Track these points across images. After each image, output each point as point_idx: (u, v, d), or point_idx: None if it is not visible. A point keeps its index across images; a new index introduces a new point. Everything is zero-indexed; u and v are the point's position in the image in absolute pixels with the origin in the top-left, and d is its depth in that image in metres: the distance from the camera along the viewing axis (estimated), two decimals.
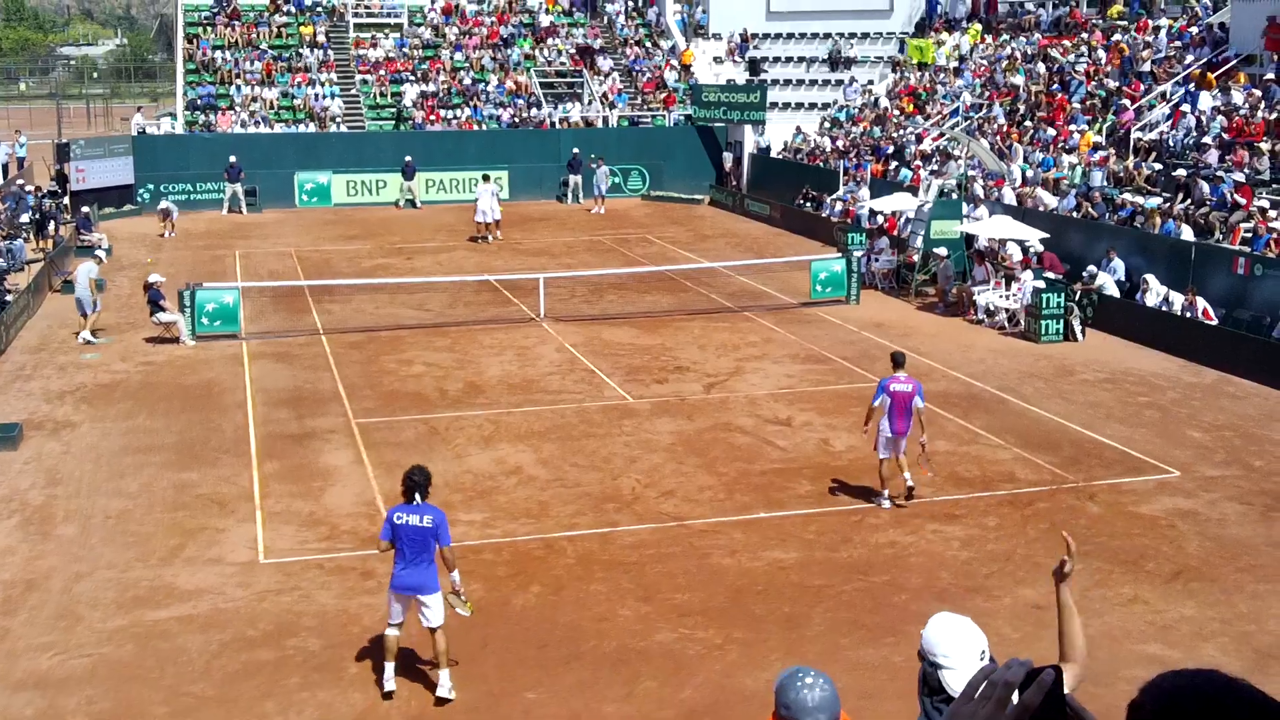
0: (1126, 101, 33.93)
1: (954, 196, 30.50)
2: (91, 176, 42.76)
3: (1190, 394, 21.82)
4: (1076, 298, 25.92)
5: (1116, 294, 26.56)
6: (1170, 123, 32.25)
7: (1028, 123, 36.84)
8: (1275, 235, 24.96)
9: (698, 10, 54.69)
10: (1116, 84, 35.58)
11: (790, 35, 52.64)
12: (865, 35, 51.54)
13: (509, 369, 23.56)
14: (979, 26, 46.81)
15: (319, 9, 52.95)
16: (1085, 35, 40.28)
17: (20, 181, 40.88)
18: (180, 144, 45.17)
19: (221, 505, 16.70)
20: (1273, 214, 25.77)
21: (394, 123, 48.37)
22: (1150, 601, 13.70)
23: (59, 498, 17.01)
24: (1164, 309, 25.18)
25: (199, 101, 47.42)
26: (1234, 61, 33.26)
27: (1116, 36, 38.77)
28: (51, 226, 36.25)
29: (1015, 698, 2.53)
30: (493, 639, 12.85)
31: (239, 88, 48.19)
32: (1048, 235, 28.54)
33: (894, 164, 39.44)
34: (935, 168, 36.11)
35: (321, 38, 51.27)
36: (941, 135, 39.56)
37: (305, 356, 24.61)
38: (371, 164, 45.94)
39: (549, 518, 16.22)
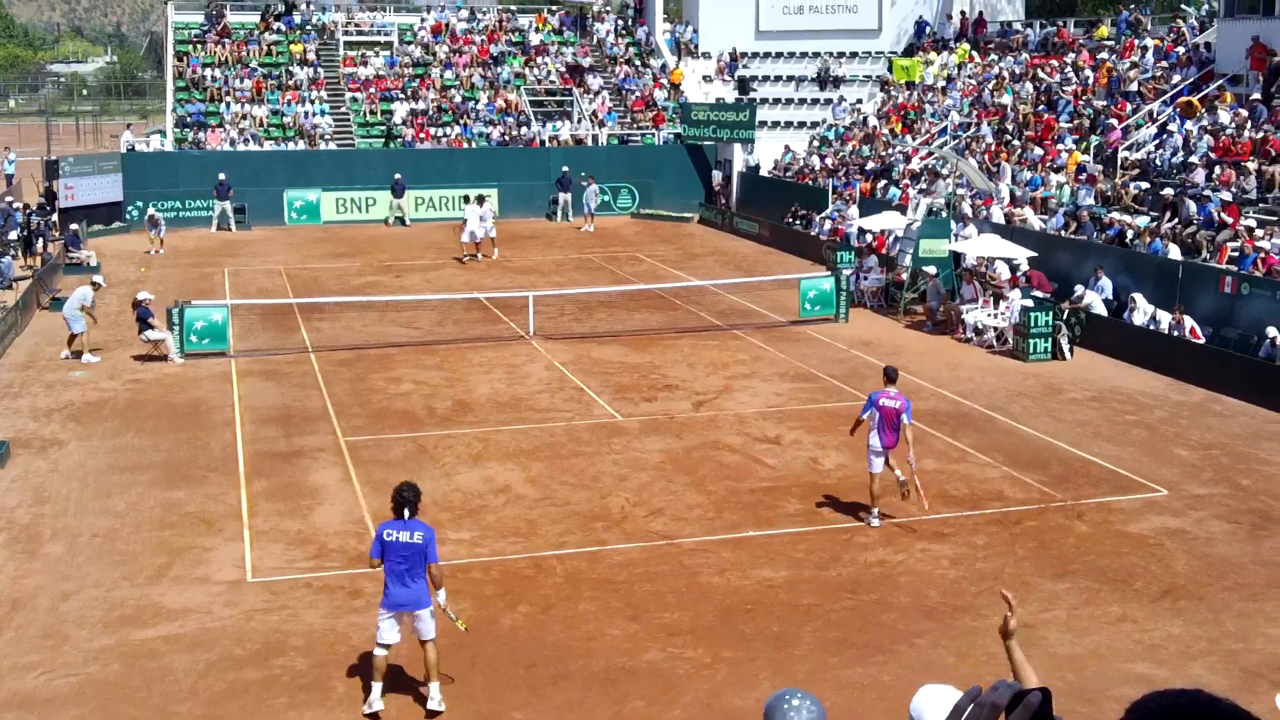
0: (1114, 121, 34.07)
1: (942, 215, 30.57)
2: (80, 194, 42.73)
3: (1178, 413, 21.87)
4: (1064, 316, 25.99)
5: (1104, 313, 26.63)
6: (1157, 142, 32.39)
7: (1015, 142, 36.98)
8: (1262, 254, 25.06)
9: (687, 29, 54.83)
10: (1104, 104, 35.73)
11: (779, 54, 52.80)
12: (854, 55, 51.74)
13: (498, 387, 23.55)
14: (967, 46, 47.00)
15: (309, 27, 53.00)
16: (1073, 55, 40.46)
17: (9, 199, 40.81)
18: (169, 161, 45.14)
19: (209, 524, 16.66)
20: (1260, 233, 25.88)
21: (384, 140, 48.38)
22: (1138, 620, 13.72)
23: (46, 516, 16.95)
24: (1151, 328, 25.25)
25: (189, 119, 47.41)
26: (1220, 81, 33.42)
27: (1103, 56, 38.95)
28: (40, 244, 36.21)
29: None
30: (481, 658, 12.83)
31: (229, 105, 48.20)
32: (1035, 254, 28.63)
33: (883, 183, 39.55)
34: (924, 186, 36.20)
35: (312, 55, 51.32)
36: (930, 154, 39.68)
37: (294, 374, 24.58)
38: (361, 182, 45.95)
39: (537, 536, 16.20)
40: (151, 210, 40.20)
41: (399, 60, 52.06)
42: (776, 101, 51.33)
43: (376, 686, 11.83)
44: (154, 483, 18.25)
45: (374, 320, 29.42)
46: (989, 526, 16.51)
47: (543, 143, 48.61)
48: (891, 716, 11.83)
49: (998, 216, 32.25)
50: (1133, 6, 43.12)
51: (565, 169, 46.43)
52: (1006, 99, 40.13)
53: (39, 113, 79.04)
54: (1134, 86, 35.67)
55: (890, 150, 42.16)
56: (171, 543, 15.96)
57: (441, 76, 51.52)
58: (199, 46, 50.84)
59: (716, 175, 47.86)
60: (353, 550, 15.49)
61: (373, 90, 50.22)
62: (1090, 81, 37.87)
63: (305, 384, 23.86)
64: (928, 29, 50.28)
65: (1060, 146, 34.74)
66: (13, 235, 35.69)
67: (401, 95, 50.15)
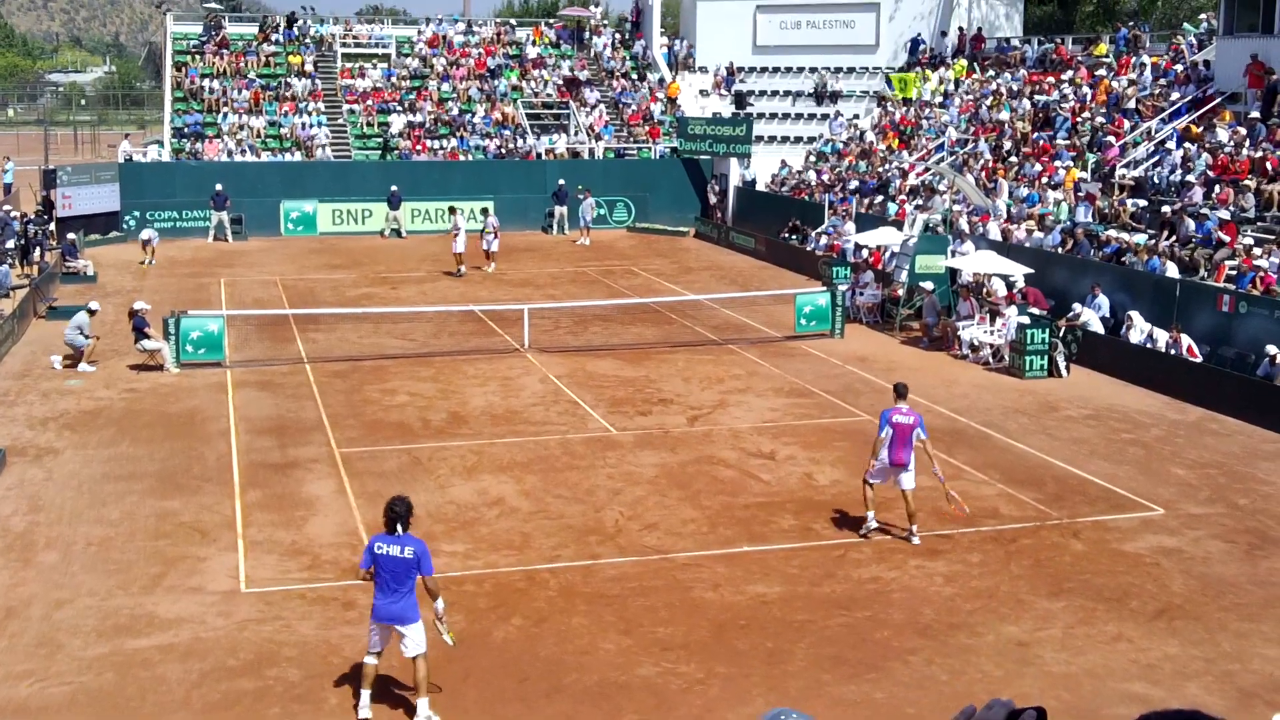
0: (1111, 138, 34.14)
1: (939, 231, 30.59)
2: (78, 203, 42.73)
3: (1174, 431, 21.86)
4: (1061, 334, 25.99)
5: (1101, 330, 26.64)
6: (1155, 160, 32.45)
7: (1013, 158, 37.04)
8: (1260, 273, 25.08)
9: (684, 44, 54.95)
10: (1102, 120, 35.80)
11: (776, 69, 52.95)
12: (851, 70, 51.89)
13: (493, 400, 23.53)
14: (965, 62, 47.10)
15: (307, 39, 53.08)
16: (1071, 72, 40.55)
17: (7, 207, 40.79)
18: (167, 171, 45.15)
19: (203, 534, 16.62)
20: (1258, 252, 25.91)
21: (380, 152, 48.43)
22: (1134, 640, 13.69)
23: (40, 524, 16.91)
24: (1148, 346, 25.25)
25: (186, 129, 47.44)
26: (1219, 99, 33.50)
27: (1101, 73, 39.05)
28: (37, 253, 36.17)
29: None
30: (474, 671, 12.79)
31: (226, 116, 48.24)
32: (1032, 271, 28.64)
33: (879, 198, 39.59)
34: (920, 202, 36.25)
35: (309, 67, 51.39)
36: (927, 170, 39.74)
37: (289, 385, 24.54)
38: (357, 193, 45.97)
39: (531, 549, 16.16)
40: (147, 232, 40.09)
41: (396, 72, 52.14)
42: (773, 116, 51.47)
43: (364, 694, 11.89)
44: (149, 492, 18.20)
45: (369, 332, 29.39)
46: (984, 544, 16.48)
47: (539, 156, 48.67)
48: None
49: (994, 233, 32.29)
50: (1131, 24, 43.22)
51: (561, 182, 46.45)
52: (1004, 115, 40.22)
53: (37, 122, 79.05)
54: (1132, 104, 35.75)
55: (887, 166, 42.22)
56: (166, 552, 15.92)
57: (438, 89, 51.59)
58: (197, 57, 50.92)
59: (713, 189, 47.87)
60: (346, 561, 15.45)
61: (370, 102, 50.29)
62: (1088, 99, 37.95)
63: (300, 395, 23.82)
64: (922, 46, 50.37)
65: (1058, 163, 34.79)
66: (10, 244, 35.66)
67: (398, 107, 50.21)
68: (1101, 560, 15.94)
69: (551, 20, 59.70)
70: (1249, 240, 26.63)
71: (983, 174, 36.88)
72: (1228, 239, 26.98)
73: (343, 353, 27.30)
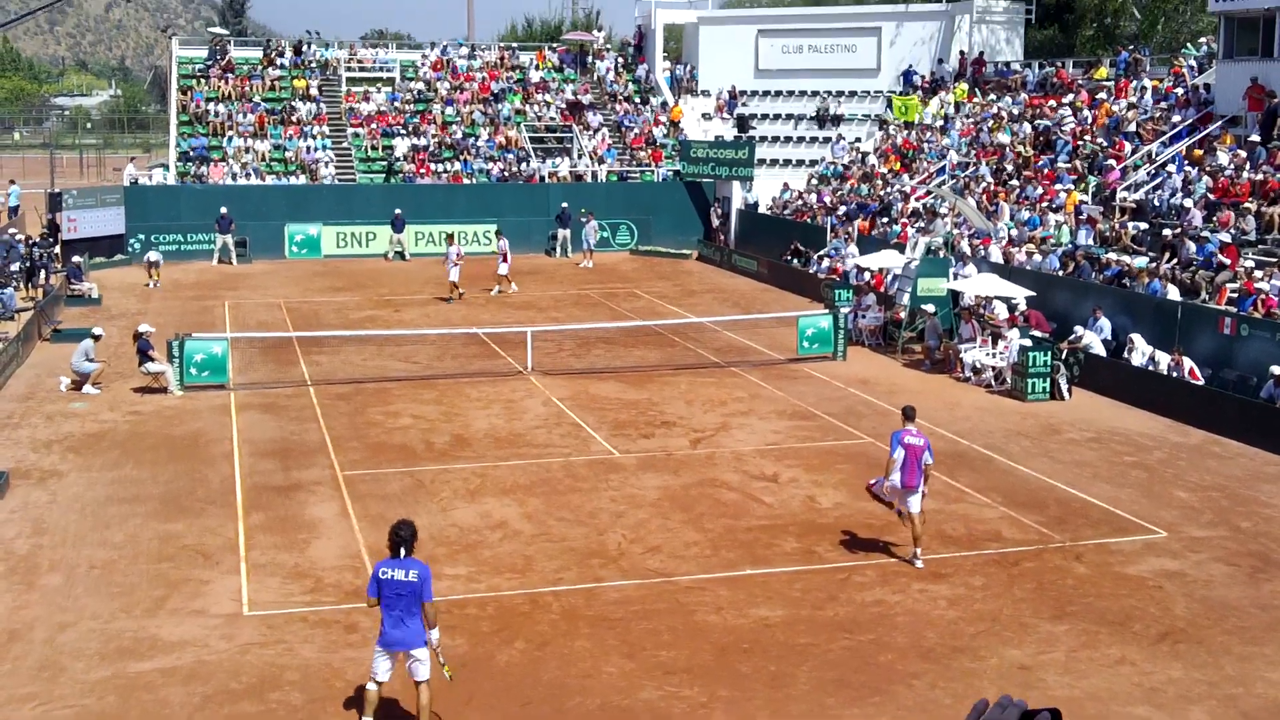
0: (1112, 162, 34.21)
1: (941, 254, 30.64)
2: (83, 226, 42.89)
3: (1177, 454, 21.87)
4: (1063, 356, 26.01)
5: (1103, 353, 26.66)
6: (1155, 183, 32.52)
7: (1014, 181, 37.11)
8: (1262, 295, 25.11)
9: (687, 67, 55.13)
10: (1102, 144, 35.89)
11: (779, 93, 53.12)
12: (853, 93, 52.04)
13: (496, 422, 23.55)
14: (965, 86, 47.22)
15: (312, 63, 53.28)
16: (1071, 96, 40.65)
17: (11, 230, 40.91)
18: (172, 195, 45.29)
19: (206, 557, 16.63)
20: (1259, 274, 25.94)
21: (384, 176, 48.56)
22: (1137, 663, 13.68)
23: (44, 547, 16.93)
24: (1150, 368, 25.27)
25: (191, 153, 47.60)
26: (1219, 123, 33.58)
27: (1102, 96, 39.15)
28: (42, 275, 36.27)
29: None
30: (477, 695, 12.79)
31: (231, 139, 48.40)
32: (1034, 293, 28.68)
33: (882, 220, 39.67)
34: (922, 225, 36.31)
35: (314, 91, 51.56)
36: (928, 193, 39.82)
37: (292, 408, 24.58)
38: (361, 216, 46.10)
39: (534, 572, 16.17)
40: (152, 255, 40.23)
41: (400, 96, 52.32)
42: (775, 139, 51.63)
43: None
44: (152, 515, 18.23)
45: (373, 354, 29.44)
46: (987, 567, 16.48)
47: (542, 179, 48.81)
48: None
49: (996, 255, 32.34)
50: (1132, 48, 43.34)
51: (565, 205, 46.58)
52: (1005, 138, 40.31)
53: (43, 145, 79.37)
54: (1132, 127, 35.84)
55: (889, 189, 42.31)
56: (169, 575, 15.94)
57: (442, 112, 51.77)
58: (202, 81, 51.11)
59: (715, 212, 47.96)
60: (349, 585, 15.47)
61: (374, 126, 50.45)
62: (1089, 122, 38.04)
63: (304, 417, 23.86)
64: (917, 76, 50.50)
65: (1058, 187, 34.86)
66: (15, 267, 35.76)
67: (403, 131, 50.36)
68: (1104, 583, 15.93)
69: (555, 44, 59.90)
70: (1250, 263, 26.67)
71: (984, 197, 36.95)
72: (1229, 262, 27.02)
73: (346, 375, 27.34)
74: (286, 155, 48.39)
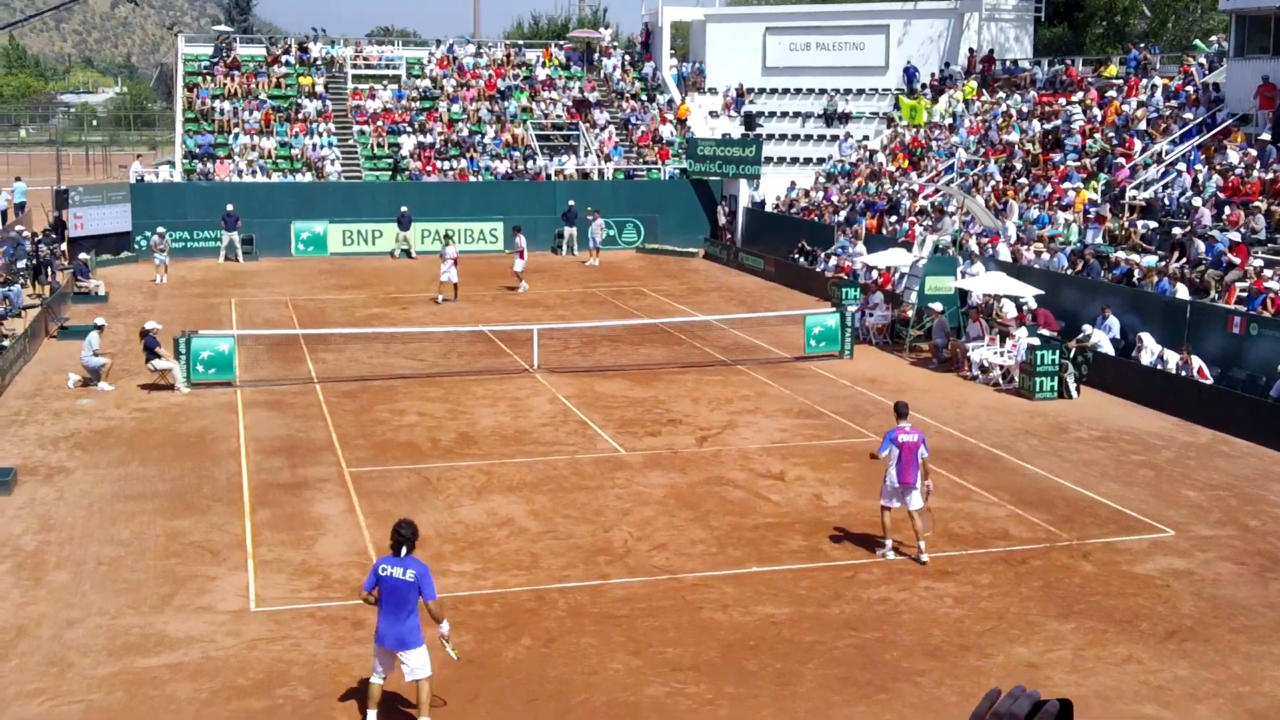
0: (1121, 160, 34.15)
1: (949, 252, 30.58)
2: (89, 223, 42.91)
3: (1185, 453, 21.82)
4: (1071, 355, 25.96)
5: (1111, 352, 26.61)
6: (1165, 182, 32.45)
7: (1023, 180, 37.05)
8: (1271, 294, 25.05)
9: (694, 65, 55.08)
10: (1112, 142, 35.82)
11: (786, 90, 53.05)
12: (861, 91, 51.97)
13: (502, 420, 23.55)
14: (974, 83, 47.15)
15: (318, 61, 53.30)
16: (1081, 94, 40.57)
17: (19, 228, 40.95)
18: (178, 192, 45.32)
19: (213, 553, 16.64)
20: (1268, 273, 25.88)
21: (390, 173, 48.57)
22: (1144, 661, 13.65)
23: (51, 544, 16.94)
24: (1159, 367, 25.22)
25: (197, 150, 47.63)
26: (1229, 121, 33.51)
27: (1111, 94, 39.07)
28: (48, 273, 36.31)
29: None
30: (483, 691, 12.78)
31: (237, 137, 48.43)
32: (1042, 292, 28.63)
33: (890, 218, 39.63)
34: (930, 223, 36.27)
35: (320, 88, 51.57)
36: (937, 191, 39.77)
37: (299, 405, 24.59)
38: (368, 214, 46.11)
39: (540, 569, 16.17)
40: (160, 229, 40.30)
41: (406, 94, 52.31)
42: (783, 137, 51.56)
43: (371, 715, 11.95)
44: (159, 511, 18.24)
45: (379, 352, 29.44)
46: (994, 565, 16.46)
47: (549, 177, 48.78)
48: None
49: (1004, 254, 32.29)
50: (1142, 46, 43.25)
51: (571, 203, 46.55)
52: (1014, 137, 40.25)
53: (49, 143, 79.44)
54: (1142, 125, 35.77)
55: (897, 187, 42.26)
56: (176, 571, 15.95)
57: (449, 110, 51.76)
58: (208, 78, 51.14)
59: (722, 210, 47.93)
60: (355, 581, 15.45)
61: (380, 123, 50.45)
62: (1098, 120, 37.97)
63: (310, 415, 23.87)
64: (918, 75, 50.43)
65: (1067, 185, 34.79)
66: (22, 264, 35.80)
67: (409, 128, 50.36)
68: (1112, 582, 15.90)
69: (561, 42, 59.91)
70: (1259, 262, 26.61)
71: (992, 195, 36.89)
72: (1238, 261, 26.95)
73: (352, 373, 27.35)
74: (292, 153, 48.43)
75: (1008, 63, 48.37)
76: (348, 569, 16.03)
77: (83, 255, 38.83)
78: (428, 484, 19.66)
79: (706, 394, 25.69)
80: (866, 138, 49.42)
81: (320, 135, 49.11)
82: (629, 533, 17.54)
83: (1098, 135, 36.78)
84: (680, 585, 15.70)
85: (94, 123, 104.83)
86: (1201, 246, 28.03)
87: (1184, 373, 24.57)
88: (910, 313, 30.39)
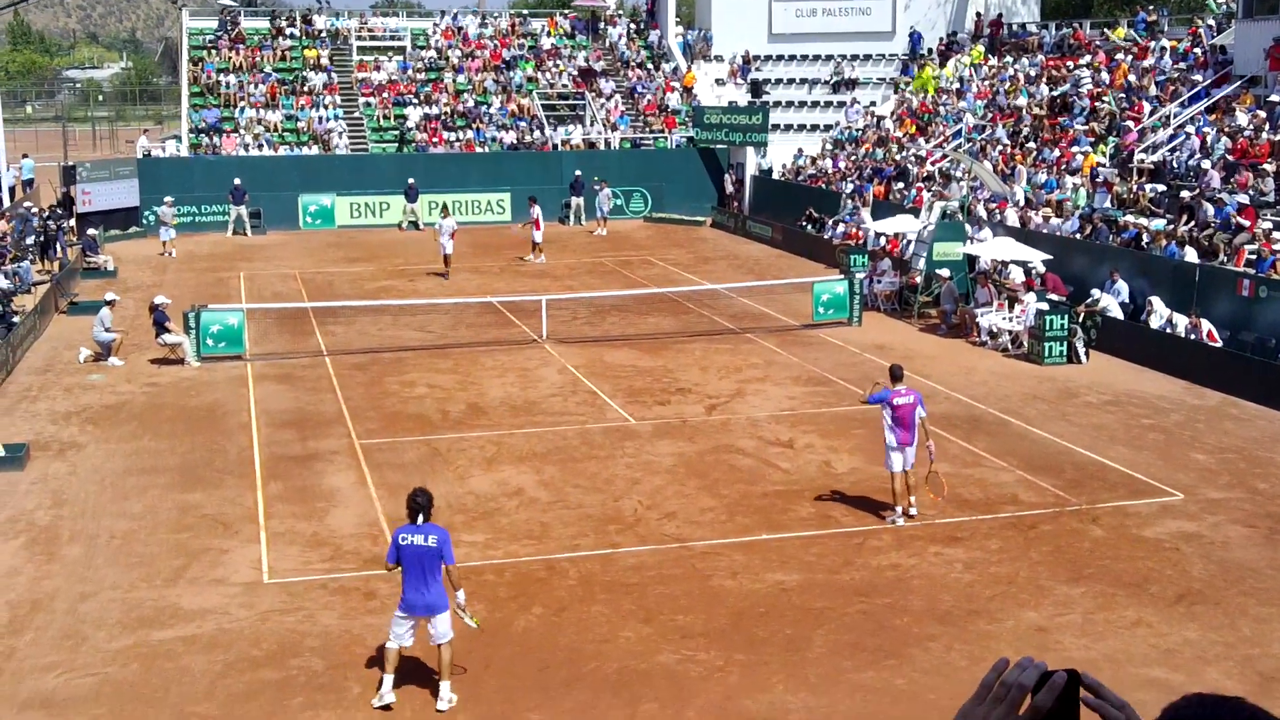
0: (1130, 123, 34.01)
1: (957, 218, 30.52)
2: (97, 199, 42.94)
3: (1194, 417, 21.82)
4: (1080, 320, 25.93)
5: (1120, 316, 26.57)
6: (1173, 145, 32.32)
7: (1031, 144, 36.92)
8: None
9: (700, 33, 54.87)
10: (1120, 106, 35.66)
11: (792, 57, 52.83)
12: (868, 57, 51.75)
13: (511, 391, 23.59)
14: (982, 48, 46.95)
15: (322, 33, 53.18)
16: (1089, 57, 40.39)
17: (27, 204, 40.99)
18: (185, 166, 45.31)
19: (225, 526, 16.73)
20: (1277, 235, 25.79)
21: (397, 145, 48.51)
22: (1154, 625, 13.69)
23: (65, 518, 17.04)
24: (1168, 331, 25.18)
25: (204, 124, 47.58)
26: (1238, 83, 33.34)
27: (1120, 57, 38.88)
28: (57, 249, 36.36)
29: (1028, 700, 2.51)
30: (495, 660, 12.86)
31: (243, 110, 48.36)
32: (1050, 257, 28.57)
33: (898, 185, 39.53)
34: (938, 189, 36.18)
35: (325, 61, 51.47)
36: (944, 157, 39.65)
37: (309, 378, 24.65)
38: (375, 186, 46.08)
39: (551, 539, 16.23)
40: (166, 201, 40.41)
41: (412, 65, 52.18)
42: (789, 104, 51.38)
43: (388, 679, 12.03)
44: (171, 485, 18.33)
45: (388, 324, 29.48)
46: (1003, 530, 16.49)
47: (555, 147, 48.69)
48: None
49: (1012, 219, 32.21)
50: (1150, 7, 43.00)
51: (578, 173, 46.48)
52: (1021, 101, 40.08)
53: (55, 119, 79.37)
54: (1154, 91, 35.60)
55: (904, 153, 42.13)
56: (188, 545, 16.04)
57: (454, 81, 51.63)
58: (213, 52, 51.04)
59: (729, 179, 47.83)
60: (368, 552, 15.55)
61: (386, 95, 50.35)
62: (1106, 83, 37.80)
63: (320, 388, 23.93)
64: (921, 42, 50.20)
65: (1075, 149, 34.66)
66: (30, 240, 35.85)
67: (415, 100, 50.27)
68: (1121, 546, 15.94)
69: (566, 11, 59.65)
70: (1268, 224, 26.52)
71: (1000, 160, 36.77)
72: (1247, 224, 26.87)
73: (362, 345, 27.40)
74: (299, 126, 48.37)
75: (1015, 26, 48.14)
76: (359, 540, 16.12)
77: (91, 231, 38.86)
78: (438, 455, 19.72)
79: (715, 363, 25.71)
80: (874, 104, 49.25)
81: (326, 108, 49.04)
82: (639, 501, 17.59)
83: (1106, 98, 36.60)
84: (690, 553, 15.76)
85: (100, 98, 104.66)
86: (1210, 209, 27.93)
87: (1193, 336, 24.54)
88: (918, 279, 30.35)
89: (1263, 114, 30.75)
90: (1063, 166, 34.33)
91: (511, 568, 15.29)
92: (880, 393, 16.58)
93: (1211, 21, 38.16)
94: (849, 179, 42.33)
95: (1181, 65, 36.34)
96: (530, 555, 15.68)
